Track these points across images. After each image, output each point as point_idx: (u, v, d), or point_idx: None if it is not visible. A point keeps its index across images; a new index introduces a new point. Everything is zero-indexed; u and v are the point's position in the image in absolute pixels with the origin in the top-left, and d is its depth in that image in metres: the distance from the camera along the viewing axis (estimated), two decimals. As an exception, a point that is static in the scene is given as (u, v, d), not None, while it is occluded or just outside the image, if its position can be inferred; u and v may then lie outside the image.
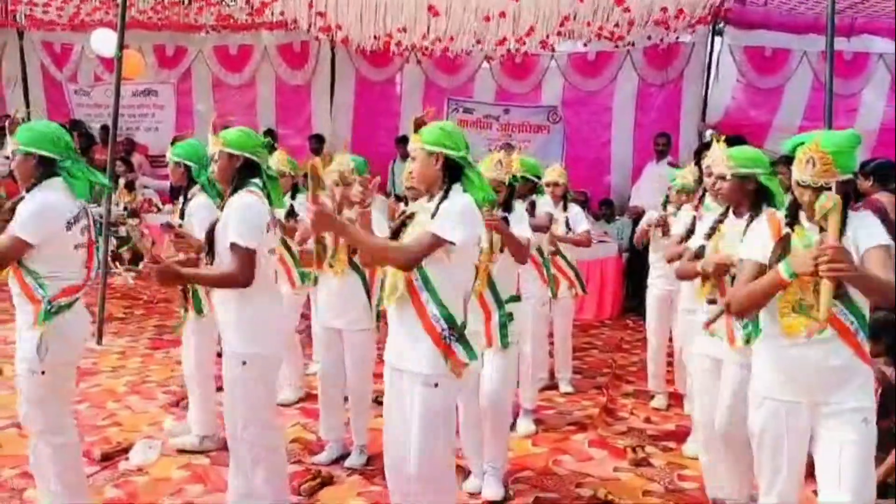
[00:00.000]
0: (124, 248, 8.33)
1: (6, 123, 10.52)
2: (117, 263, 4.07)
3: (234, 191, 3.05)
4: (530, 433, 4.48)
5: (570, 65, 9.43)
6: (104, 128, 10.46)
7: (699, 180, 4.52)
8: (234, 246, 2.89)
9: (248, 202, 2.98)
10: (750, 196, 3.12)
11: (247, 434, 3.08)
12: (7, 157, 10.31)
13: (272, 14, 7.55)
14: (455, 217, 2.59)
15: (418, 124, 2.77)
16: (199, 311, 3.98)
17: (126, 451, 4.07)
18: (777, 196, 3.08)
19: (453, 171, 2.71)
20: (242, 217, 2.92)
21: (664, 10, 6.66)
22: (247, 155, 3.03)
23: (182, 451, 4.13)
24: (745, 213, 3.13)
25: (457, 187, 2.70)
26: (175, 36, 10.31)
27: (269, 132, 10.06)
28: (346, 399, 4.12)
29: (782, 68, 8.82)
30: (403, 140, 9.34)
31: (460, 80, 9.80)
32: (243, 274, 2.91)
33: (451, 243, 2.57)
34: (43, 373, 2.96)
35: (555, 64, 9.43)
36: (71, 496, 3.09)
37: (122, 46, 5.86)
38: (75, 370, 3.17)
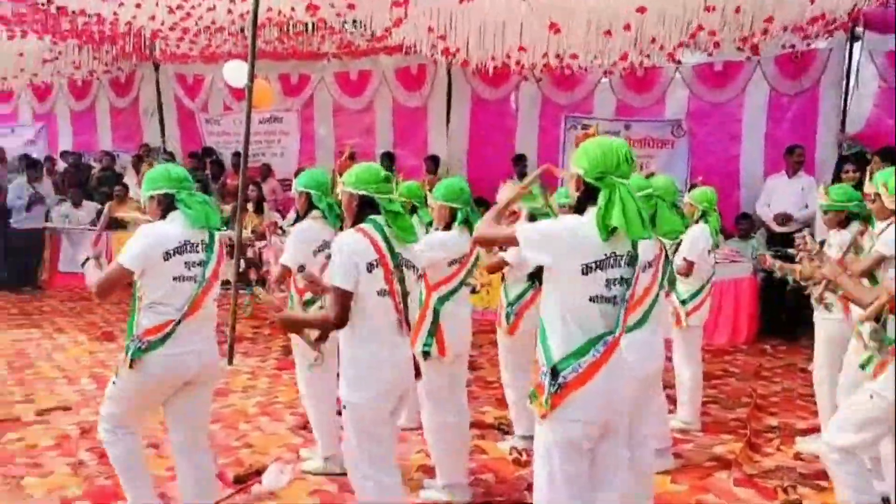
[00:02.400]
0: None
1: (142, 153, 11.24)
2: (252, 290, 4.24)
3: (353, 226, 3.05)
4: (668, 468, 4.22)
5: (695, 76, 9.07)
6: (236, 154, 10.90)
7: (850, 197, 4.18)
8: (333, 287, 2.87)
9: (343, 241, 2.93)
10: None
11: (350, 478, 3.06)
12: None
13: (392, 39, 7.61)
14: None
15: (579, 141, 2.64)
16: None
17: (258, 473, 4.11)
18: None
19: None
20: (335, 257, 2.89)
21: (801, 20, 6.24)
22: (362, 192, 2.99)
23: (314, 475, 4.16)
24: None
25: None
26: (299, 64, 10.66)
27: (387, 154, 10.23)
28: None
29: (931, 71, 8.14)
30: (519, 158, 9.24)
31: (578, 96, 9.61)
32: (336, 316, 2.86)
33: None
34: (114, 383, 3.17)
35: (679, 76, 9.09)
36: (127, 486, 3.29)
37: (252, 77, 6.04)
38: (151, 402, 3.23)
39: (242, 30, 8.90)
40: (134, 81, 11.87)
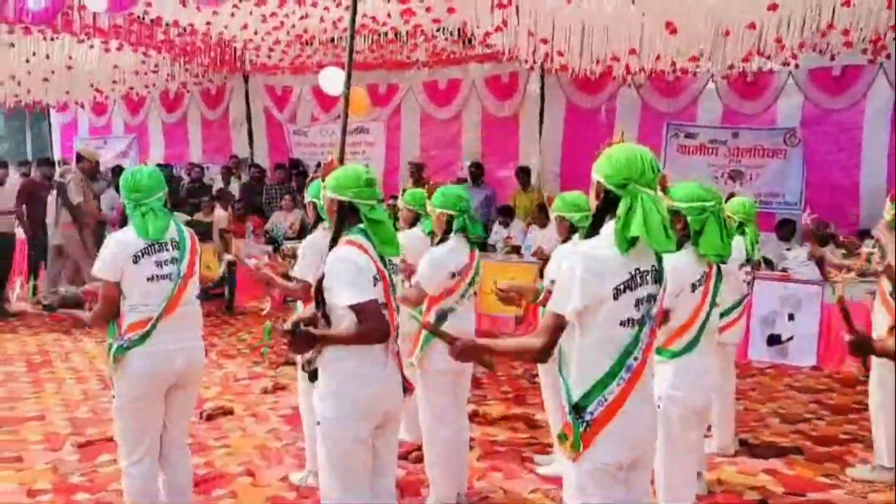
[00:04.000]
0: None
1: (231, 165, 11.24)
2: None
3: (335, 237, 2.80)
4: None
5: (810, 80, 8.41)
6: (319, 165, 10.81)
7: None
8: (353, 308, 2.63)
9: (343, 257, 2.68)
10: None
11: (322, 497, 2.85)
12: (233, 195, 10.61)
13: (491, 44, 7.27)
14: None
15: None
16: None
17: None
18: None
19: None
20: (343, 277, 2.64)
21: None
22: (341, 198, 2.74)
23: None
24: None
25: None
26: (388, 74, 10.48)
27: (476, 165, 9.93)
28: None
29: None
30: None
31: (681, 102, 9.09)
32: (376, 327, 2.67)
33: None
34: (113, 397, 3.20)
35: (792, 80, 8.46)
36: None
37: (349, 84, 5.80)
38: (151, 403, 3.19)
39: (333, 39, 8.77)
40: (224, 93, 11.93)
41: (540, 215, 9.03)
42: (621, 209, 2.19)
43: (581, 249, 2.26)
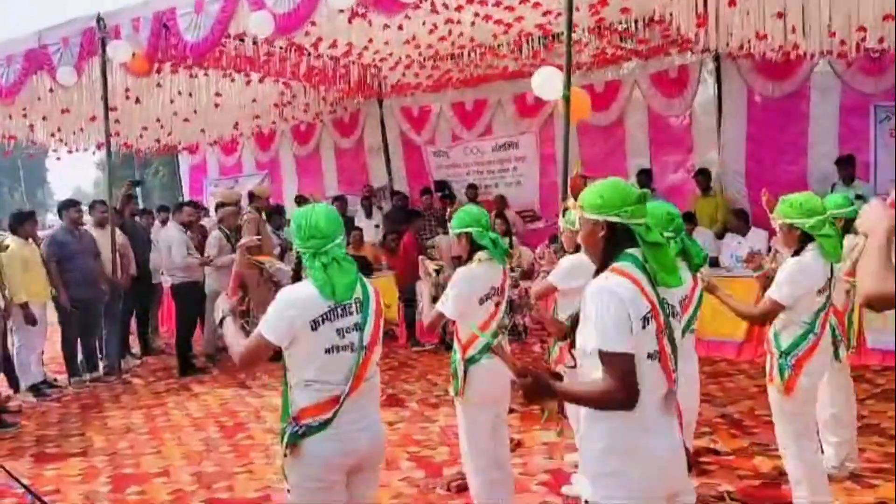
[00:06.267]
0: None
1: (369, 195, 10.58)
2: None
3: (601, 267, 2.26)
4: None
5: None
6: (471, 186, 10.09)
7: None
8: (601, 354, 2.10)
9: (606, 288, 2.15)
10: None
11: None
12: (377, 226, 10.06)
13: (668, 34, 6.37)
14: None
15: None
16: (455, 391, 3.62)
17: None
18: None
19: None
20: (599, 313, 2.12)
21: None
22: (610, 219, 2.22)
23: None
24: None
25: None
26: (537, 82, 9.66)
27: (644, 172, 9.01)
28: None
29: None
30: (847, 161, 7.67)
31: (889, 80, 7.92)
32: (624, 390, 2.09)
33: None
34: (289, 491, 2.66)
35: None
36: None
37: (569, 85, 5.04)
38: (332, 494, 2.63)
39: (493, 47, 8.06)
40: (358, 120, 11.37)
41: (738, 222, 8.05)
42: None
43: None
